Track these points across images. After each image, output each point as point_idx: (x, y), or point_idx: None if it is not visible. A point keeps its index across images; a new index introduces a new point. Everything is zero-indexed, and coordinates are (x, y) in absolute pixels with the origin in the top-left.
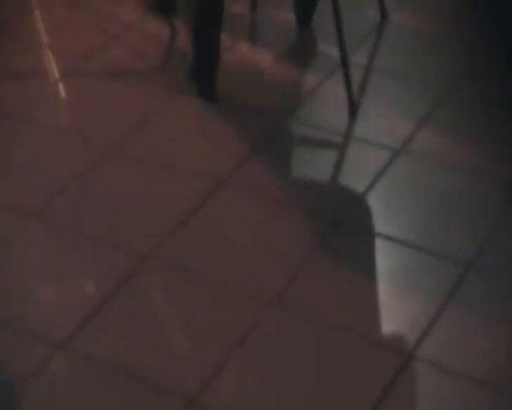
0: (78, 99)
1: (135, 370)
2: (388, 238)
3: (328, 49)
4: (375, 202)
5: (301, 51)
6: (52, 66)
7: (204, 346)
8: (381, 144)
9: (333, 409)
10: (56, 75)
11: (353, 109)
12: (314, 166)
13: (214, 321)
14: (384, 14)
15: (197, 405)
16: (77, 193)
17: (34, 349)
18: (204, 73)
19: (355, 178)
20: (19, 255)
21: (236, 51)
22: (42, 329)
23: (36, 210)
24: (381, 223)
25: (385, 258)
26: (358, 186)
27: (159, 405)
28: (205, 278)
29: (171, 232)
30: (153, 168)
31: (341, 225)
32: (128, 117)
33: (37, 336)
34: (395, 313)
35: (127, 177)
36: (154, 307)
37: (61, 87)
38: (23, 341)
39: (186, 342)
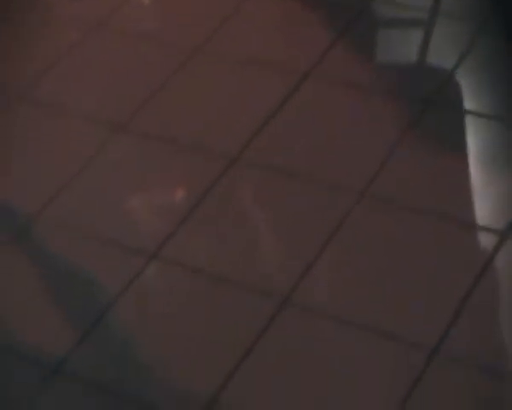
0: (158, 3)
1: (228, 273)
2: (479, 115)
3: None
4: (464, 78)
5: None
6: None
7: (296, 244)
8: (468, 17)
9: (430, 293)
10: None
11: None
12: (400, 46)
13: (306, 218)
14: None
15: (290, 304)
16: (162, 100)
17: (125, 260)
18: None
19: (443, 55)
20: (107, 167)
21: None
22: (133, 239)
23: (123, 120)
24: (471, 100)
25: (476, 135)
26: (447, 63)
27: (253, 306)
28: (296, 175)
29: (259, 130)
30: (236, 66)
31: (430, 104)
32: (208, 16)
33: (128, 247)
34: (489, 191)
35: (211, 77)
36: (244, 209)
37: None
38: (114, 251)
39: (278, 242)
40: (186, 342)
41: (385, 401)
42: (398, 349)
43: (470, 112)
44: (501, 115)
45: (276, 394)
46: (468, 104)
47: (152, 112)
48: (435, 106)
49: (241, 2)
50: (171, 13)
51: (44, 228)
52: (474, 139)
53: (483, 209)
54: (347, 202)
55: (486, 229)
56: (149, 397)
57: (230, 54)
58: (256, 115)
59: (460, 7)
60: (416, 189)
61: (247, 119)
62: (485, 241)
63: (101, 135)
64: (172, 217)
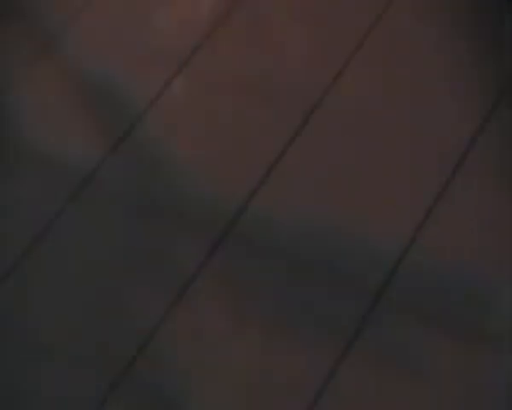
0: None
1: (257, 86)
2: None
3: None
4: None
5: None
6: None
7: (324, 55)
8: None
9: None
10: None
11: None
12: None
13: (338, 27)
14: None
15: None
16: None
17: (155, 72)
18: None
19: None
20: None
21: None
22: (163, 49)
23: None
24: None
25: None
26: None
27: (280, 118)
28: None
29: None
30: None
31: None
32: None
33: (156, 59)
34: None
35: None
36: (274, 20)
37: None
38: (144, 62)
39: (307, 52)
40: (214, 154)
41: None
42: None
43: None
44: None
45: (306, 201)
46: None
47: None
48: None
49: None
50: None
51: (72, 42)
52: None
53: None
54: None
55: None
56: (178, 208)
57: None
58: None
59: None
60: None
61: None
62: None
63: None
64: (199, 28)
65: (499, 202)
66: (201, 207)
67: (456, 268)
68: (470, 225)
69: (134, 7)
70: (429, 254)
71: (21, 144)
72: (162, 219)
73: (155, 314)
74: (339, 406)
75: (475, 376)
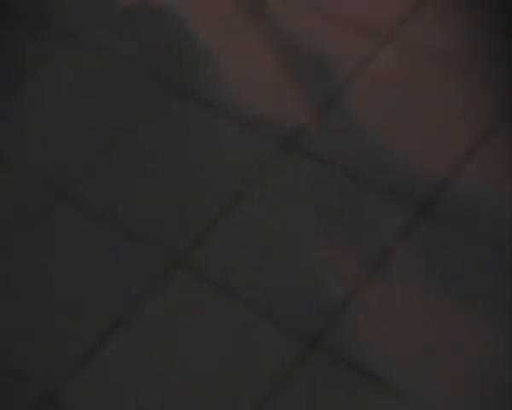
0: None
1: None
2: None
3: None
4: None
5: None
6: None
7: None
8: None
9: None
10: None
11: None
12: None
13: None
14: None
15: None
16: None
17: (359, 40)
18: None
19: None
20: None
21: None
22: (369, 20)
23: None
24: None
25: None
26: None
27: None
28: None
29: None
30: None
31: None
32: None
33: (362, 27)
34: None
35: None
36: None
37: None
38: (348, 31)
39: None
40: (416, 128)
41: None
42: None
43: None
44: None
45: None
46: None
47: None
48: None
49: None
50: None
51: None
52: None
53: None
54: None
55: None
56: (381, 177)
57: None
58: None
59: None
60: None
61: None
62: None
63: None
64: (406, 1)
65: None
66: (402, 178)
67: None
68: None
69: None
70: None
71: (226, 100)
72: (365, 187)
73: (347, 285)
74: None
75: None
